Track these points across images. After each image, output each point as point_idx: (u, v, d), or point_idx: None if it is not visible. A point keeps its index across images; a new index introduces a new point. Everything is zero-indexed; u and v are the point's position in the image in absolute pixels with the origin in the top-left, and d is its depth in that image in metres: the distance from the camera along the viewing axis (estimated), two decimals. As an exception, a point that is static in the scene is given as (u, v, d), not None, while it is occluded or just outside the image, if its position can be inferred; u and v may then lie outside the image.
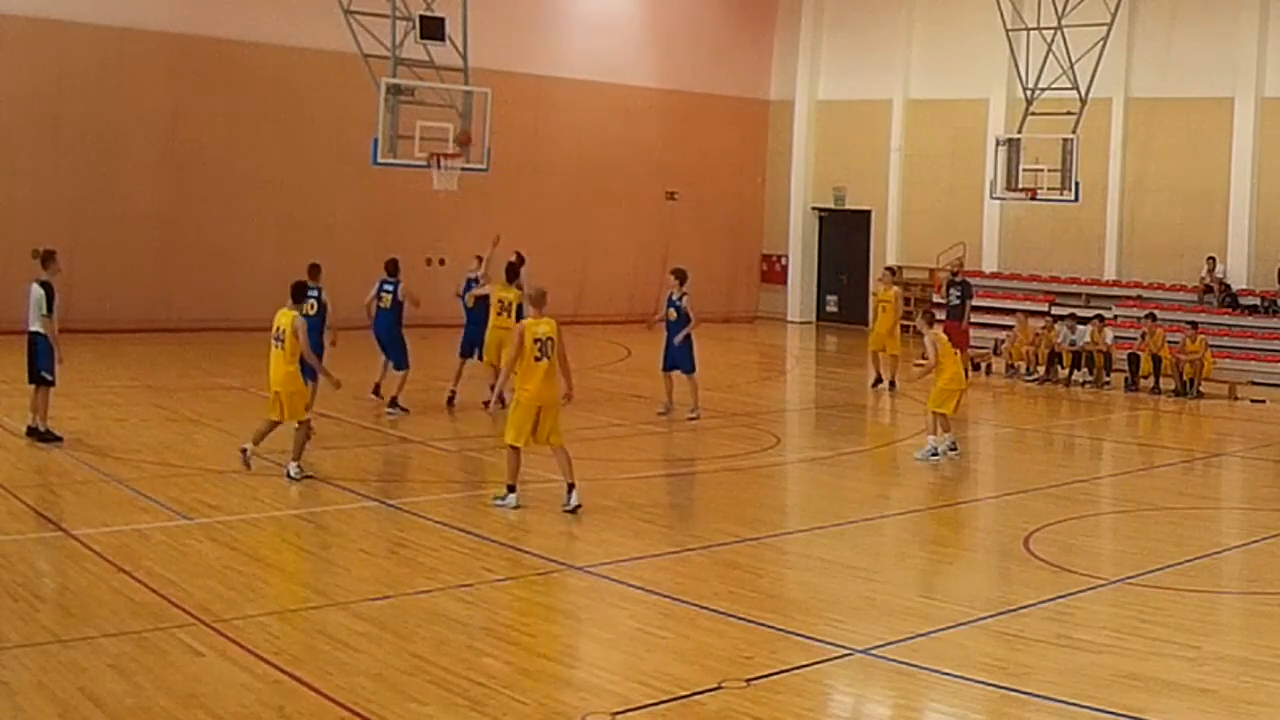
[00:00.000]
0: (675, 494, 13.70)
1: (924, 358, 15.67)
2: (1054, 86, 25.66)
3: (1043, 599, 9.67)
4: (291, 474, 12.83)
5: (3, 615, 8.47)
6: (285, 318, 12.92)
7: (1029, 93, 26.08)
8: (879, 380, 21.72)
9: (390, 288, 17.78)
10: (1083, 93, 25.33)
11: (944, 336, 15.58)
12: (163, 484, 12.51)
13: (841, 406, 21.13)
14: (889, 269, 24.43)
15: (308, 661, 7.83)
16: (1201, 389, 22.14)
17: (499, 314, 17.16)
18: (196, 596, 9.00)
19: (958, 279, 23.31)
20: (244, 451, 12.79)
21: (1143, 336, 22.97)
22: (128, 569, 9.61)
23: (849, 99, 33.15)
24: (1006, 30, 26.28)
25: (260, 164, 26.18)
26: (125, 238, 24.40)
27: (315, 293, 15.73)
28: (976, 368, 24.28)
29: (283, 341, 12.82)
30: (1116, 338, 23.57)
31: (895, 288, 22.71)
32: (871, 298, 23.36)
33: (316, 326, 15.57)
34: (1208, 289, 26.38)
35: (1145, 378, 22.59)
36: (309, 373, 13.96)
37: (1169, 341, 22.71)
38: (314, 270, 16.01)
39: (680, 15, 32.82)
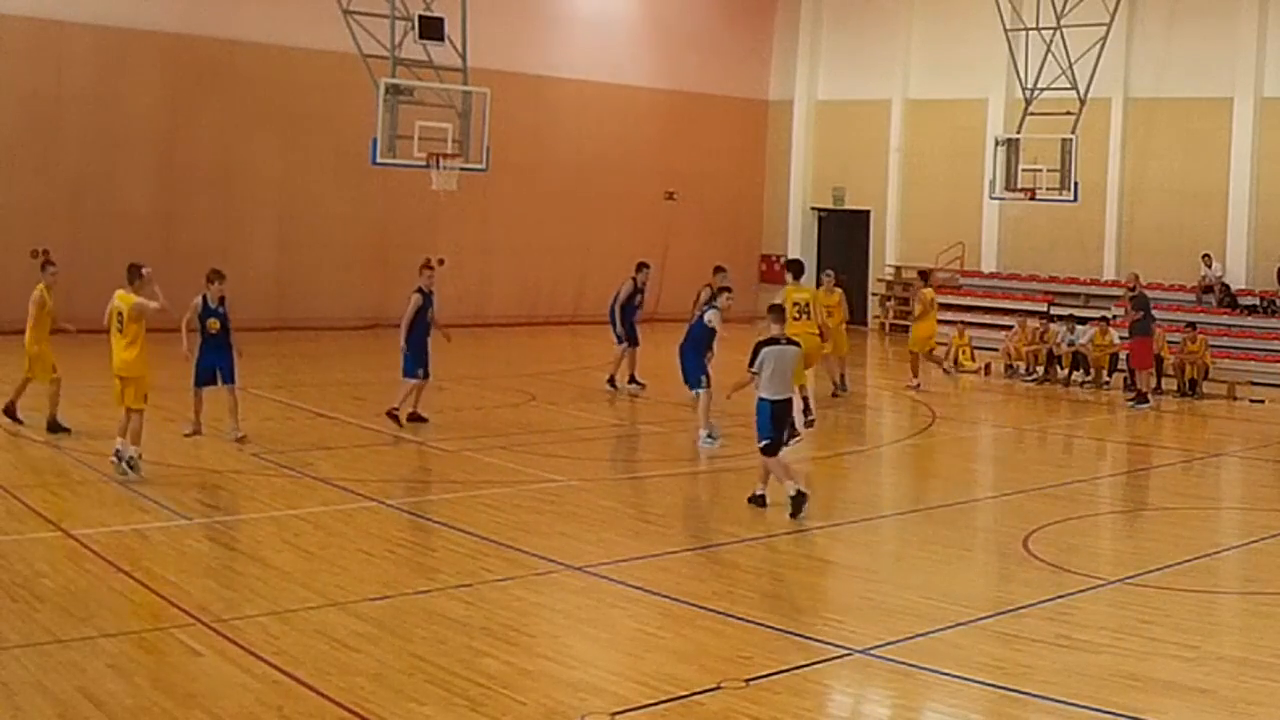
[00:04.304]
0: (675, 494, 13.70)
1: None
2: (1053, 86, 25.68)
3: (1042, 599, 9.67)
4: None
5: (2, 615, 8.47)
6: (125, 301, 12.83)
7: (1028, 93, 26.09)
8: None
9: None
10: (1082, 93, 25.34)
11: None
12: (162, 484, 12.52)
13: (841, 406, 21.11)
14: (922, 273, 23.92)
15: (307, 662, 7.83)
16: (1203, 390, 22.13)
17: (796, 319, 16.46)
18: (196, 596, 9.00)
19: (1135, 293, 21.46)
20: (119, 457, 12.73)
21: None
22: (127, 569, 9.61)
23: (848, 99, 33.16)
24: (1006, 30, 26.29)
25: (259, 164, 26.20)
26: (123, 238, 24.29)
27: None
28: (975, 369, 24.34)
29: (122, 326, 12.85)
30: (1120, 338, 23.56)
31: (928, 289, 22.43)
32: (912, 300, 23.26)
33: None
34: (1207, 289, 26.38)
35: (1145, 378, 22.59)
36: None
37: (1169, 342, 22.71)
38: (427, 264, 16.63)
39: (680, 15, 32.83)
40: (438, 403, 18.12)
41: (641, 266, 20.35)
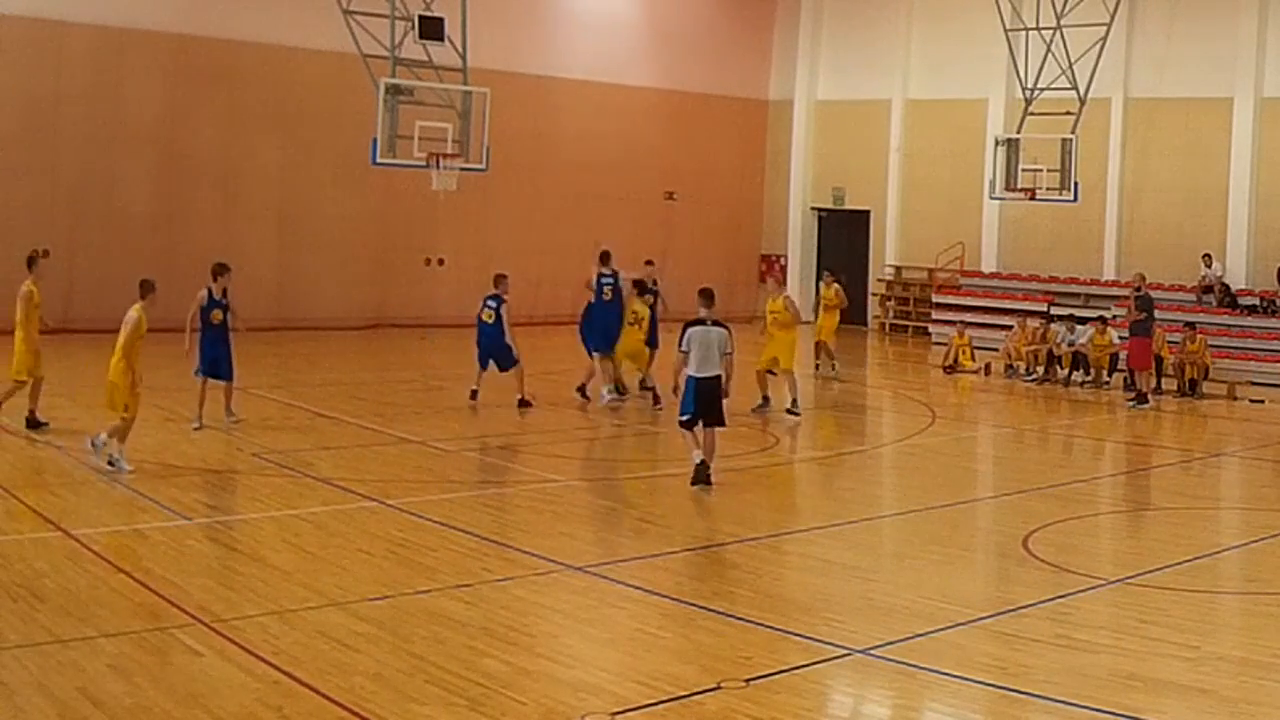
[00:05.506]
0: (675, 494, 13.69)
1: None
2: (1053, 87, 25.67)
3: (1042, 599, 9.67)
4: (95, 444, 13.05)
5: (2, 615, 8.46)
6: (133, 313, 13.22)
7: (1028, 93, 26.08)
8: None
9: (610, 280, 18.78)
10: (1082, 93, 25.34)
11: None
12: (162, 484, 12.52)
13: (841, 406, 21.13)
14: (830, 270, 25.21)
15: (307, 662, 7.83)
16: (1203, 390, 22.13)
17: (631, 325, 18.62)
18: (196, 596, 8.99)
19: (1140, 293, 21.56)
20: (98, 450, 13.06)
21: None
22: (127, 569, 9.61)
23: (848, 99, 33.16)
24: (1006, 30, 26.29)
25: (259, 164, 26.19)
26: (123, 238, 24.38)
27: (495, 303, 17.69)
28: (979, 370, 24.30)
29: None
30: (1120, 337, 23.56)
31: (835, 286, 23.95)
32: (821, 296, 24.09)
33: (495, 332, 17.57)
34: (1206, 289, 26.37)
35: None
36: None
37: (1169, 342, 22.71)
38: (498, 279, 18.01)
39: (680, 15, 32.83)
40: (438, 402, 18.14)
41: (605, 258, 19.29)
